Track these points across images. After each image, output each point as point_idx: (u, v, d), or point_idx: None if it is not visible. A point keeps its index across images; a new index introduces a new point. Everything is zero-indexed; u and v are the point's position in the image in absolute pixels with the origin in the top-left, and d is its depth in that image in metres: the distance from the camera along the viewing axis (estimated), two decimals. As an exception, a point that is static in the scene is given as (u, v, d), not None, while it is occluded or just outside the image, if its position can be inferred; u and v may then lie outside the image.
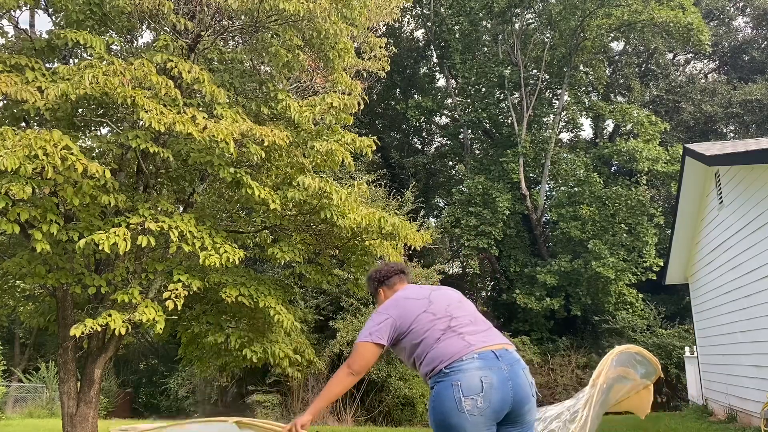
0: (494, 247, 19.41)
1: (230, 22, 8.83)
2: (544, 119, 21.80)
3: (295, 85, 9.80)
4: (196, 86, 7.61)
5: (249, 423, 3.26)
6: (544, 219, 22.00)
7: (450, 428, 2.64)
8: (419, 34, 25.11)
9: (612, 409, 4.28)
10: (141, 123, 7.24)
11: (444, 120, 26.29)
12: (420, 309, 2.89)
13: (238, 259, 7.46)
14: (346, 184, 10.67)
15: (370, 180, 16.99)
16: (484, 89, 22.15)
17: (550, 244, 21.81)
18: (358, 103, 8.60)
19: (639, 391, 4.16)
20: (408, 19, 24.18)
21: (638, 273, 18.46)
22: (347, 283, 11.46)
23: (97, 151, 8.20)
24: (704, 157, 9.95)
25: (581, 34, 20.02)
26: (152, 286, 8.05)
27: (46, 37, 8.15)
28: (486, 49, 22.47)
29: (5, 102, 7.57)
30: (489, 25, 22.04)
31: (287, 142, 7.70)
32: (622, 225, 18.81)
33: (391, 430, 13.45)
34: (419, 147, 27.16)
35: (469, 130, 22.98)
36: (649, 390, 4.17)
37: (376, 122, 25.21)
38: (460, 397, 2.61)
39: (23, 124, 7.86)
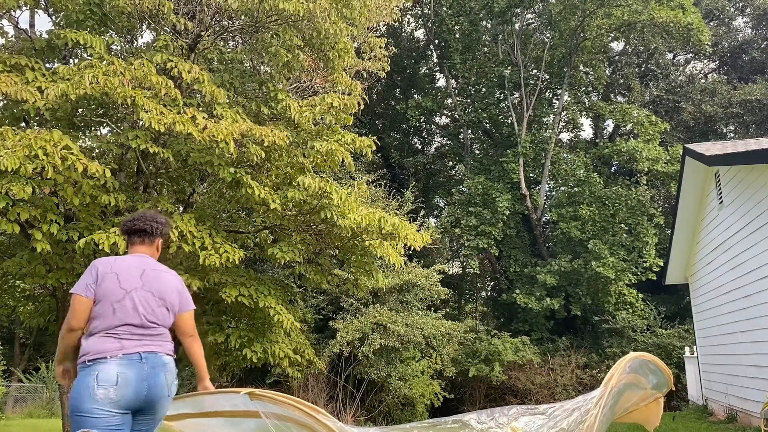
0: (494, 247, 19.39)
1: (230, 22, 8.84)
2: (544, 119, 21.79)
3: (295, 85, 9.80)
4: (196, 86, 7.62)
5: (260, 394, 3.27)
6: (544, 219, 21.99)
7: (82, 413, 2.97)
8: (419, 34, 25.13)
9: (621, 419, 4.27)
10: (141, 123, 7.24)
11: (444, 120, 26.28)
12: (113, 295, 3.21)
13: (238, 259, 7.47)
14: (346, 184, 10.68)
15: (370, 180, 16.99)
16: (484, 89, 22.13)
17: (550, 244, 21.80)
18: (358, 103, 8.60)
19: (648, 404, 4.15)
20: (408, 19, 24.16)
21: (638, 273, 18.45)
22: (347, 283, 11.45)
23: (97, 151, 8.21)
24: (704, 157, 9.95)
25: (581, 34, 20.02)
26: (152, 286, 8.03)
27: (46, 37, 8.15)
28: (486, 49, 22.46)
29: (5, 102, 7.57)
30: (489, 25, 22.02)
31: (287, 142, 7.70)
32: (622, 225, 18.81)
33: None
34: (419, 147, 27.14)
35: (469, 130, 22.98)
36: (659, 403, 4.16)
37: (376, 122, 25.20)
38: (94, 386, 2.99)
39: (23, 124, 7.86)
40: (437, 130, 26.63)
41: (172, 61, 7.36)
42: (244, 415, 3.48)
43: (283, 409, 3.25)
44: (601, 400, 3.36)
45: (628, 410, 4.11)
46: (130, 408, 3.08)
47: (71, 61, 8.74)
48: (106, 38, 8.24)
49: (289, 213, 8.67)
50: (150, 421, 3.23)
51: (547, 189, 21.50)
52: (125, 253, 3.60)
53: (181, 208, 8.92)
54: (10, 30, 8.38)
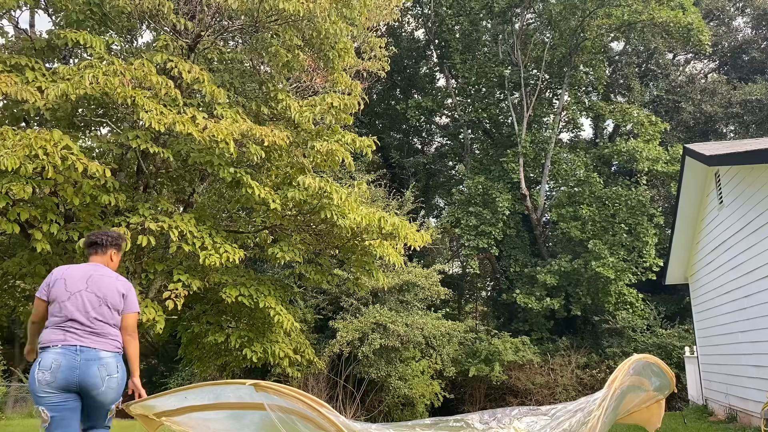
0: (494, 247, 19.39)
1: (230, 22, 8.85)
2: (544, 119, 21.77)
3: (295, 85, 9.80)
4: (196, 86, 7.62)
5: (266, 386, 3.26)
6: (544, 219, 21.98)
7: (33, 392, 3.75)
8: (419, 34, 25.11)
9: (622, 420, 4.26)
10: (141, 123, 7.24)
11: (444, 120, 26.28)
12: (60, 296, 3.87)
13: (238, 258, 7.47)
14: (346, 184, 10.68)
15: (370, 180, 16.97)
16: (484, 89, 22.12)
17: (550, 244, 21.80)
18: (358, 103, 8.61)
19: (650, 405, 4.15)
20: (408, 19, 24.15)
21: (638, 273, 18.43)
22: (347, 283, 11.46)
23: (97, 151, 8.21)
24: (704, 157, 9.95)
25: (581, 34, 20.01)
26: (152, 285, 8.05)
27: (46, 37, 8.15)
28: (486, 49, 22.44)
29: (5, 102, 7.57)
30: (489, 25, 22.01)
31: (287, 142, 7.70)
32: (622, 225, 18.79)
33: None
34: (419, 147, 27.13)
35: (469, 130, 22.97)
36: (661, 405, 4.16)
37: (376, 122, 25.18)
38: (36, 369, 3.73)
39: (23, 124, 7.86)
40: (437, 130, 26.62)
41: (172, 61, 7.36)
42: (249, 407, 3.48)
43: (287, 401, 3.25)
44: (605, 401, 3.35)
45: (630, 411, 4.10)
46: (66, 389, 3.71)
47: (71, 61, 8.75)
48: (106, 38, 8.24)
49: (289, 213, 8.68)
50: (94, 407, 3.82)
51: (547, 189, 21.49)
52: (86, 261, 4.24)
53: (181, 208, 8.93)
54: (10, 30, 8.39)
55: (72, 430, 3.78)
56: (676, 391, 4.15)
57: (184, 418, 3.75)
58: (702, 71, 27.44)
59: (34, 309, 3.98)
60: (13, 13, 8.11)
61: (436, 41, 23.32)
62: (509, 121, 21.39)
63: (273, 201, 7.72)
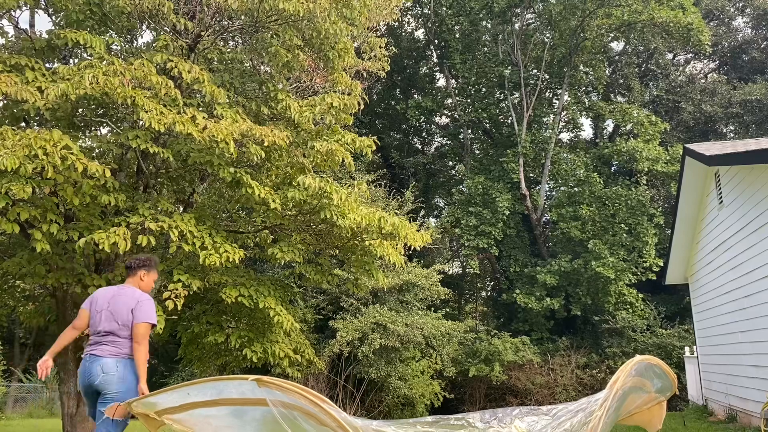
0: (494, 247, 19.39)
1: (230, 22, 8.84)
2: (544, 119, 21.77)
3: (295, 85, 9.80)
4: (196, 86, 7.61)
5: (268, 382, 3.24)
6: (544, 219, 21.98)
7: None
8: (419, 34, 25.11)
9: (623, 421, 4.27)
10: (141, 123, 7.24)
11: (444, 120, 26.28)
12: (92, 314, 4.66)
13: (238, 258, 7.46)
14: (346, 184, 10.67)
15: (370, 180, 16.97)
16: (484, 89, 22.12)
17: (550, 244, 21.79)
18: (358, 103, 8.60)
19: (651, 407, 4.15)
20: (408, 19, 24.15)
21: (638, 273, 18.44)
22: (347, 283, 11.45)
23: (97, 151, 8.20)
24: (704, 157, 9.95)
25: (581, 34, 20.01)
26: (152, 286, 8.02)
27: (46, 37, 8.15)
28: (486, 49, 22.44)
29: (5, 102, 7.57)
30: (489, 25, 22.00)
31: (287, 142, 7.70)
32: (622, 225, 18.79)
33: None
34: (419, 147, 27.12)
35: (469, 130, 22.97)
36: (662, 406, 4.16)
37: (376, 122, 25.18)
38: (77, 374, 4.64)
39: (23, 124, 7.86)
40: (437, 130, 26.61)
41: (172, 61, 7.36)
42: (251, 403, 3.47)
43: (289, 397, 3.24)
44: (606, 402, 3.35)
45: (631, 413, 4.11)
46: (86, 390, 4.53)
47: (71, 61, 8.75)
48: (106, 38, 8.24)
49: (289, 213, 8.67)
50: (103, 399, 4.44)
51: (547, 189, 21.49)
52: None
53: (181, 208, 8.92)
54: (10, 30, 8.39)
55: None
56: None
57: (185, 415, 3.74)
58: (702, 71, 27.44)
59: (78, 317, 4.75)
60: (13, 13, 8.11)
61: (436, 41, 23.31)
62: (509, 121, 21.38)
63: (273, 201, 7.72)
